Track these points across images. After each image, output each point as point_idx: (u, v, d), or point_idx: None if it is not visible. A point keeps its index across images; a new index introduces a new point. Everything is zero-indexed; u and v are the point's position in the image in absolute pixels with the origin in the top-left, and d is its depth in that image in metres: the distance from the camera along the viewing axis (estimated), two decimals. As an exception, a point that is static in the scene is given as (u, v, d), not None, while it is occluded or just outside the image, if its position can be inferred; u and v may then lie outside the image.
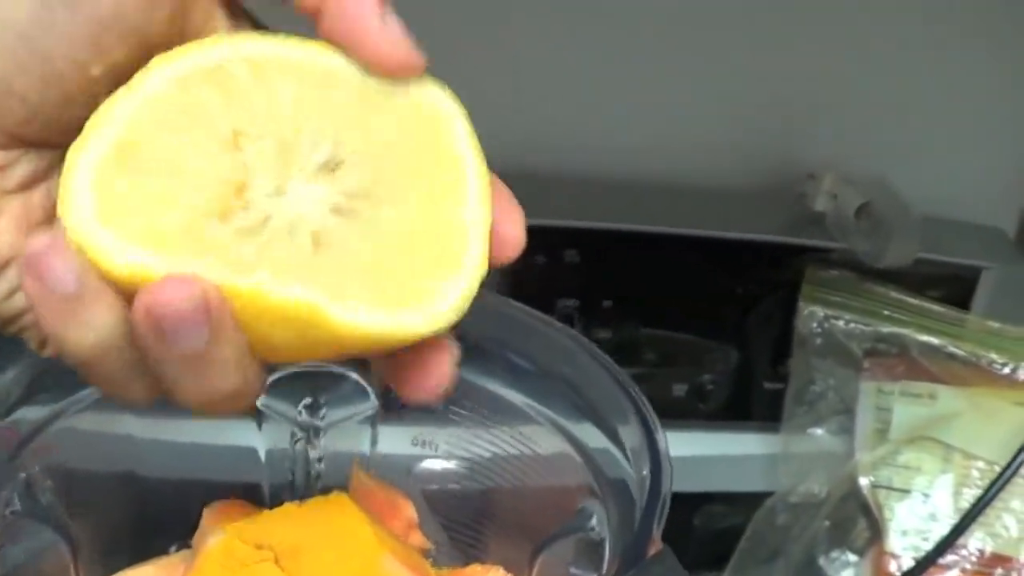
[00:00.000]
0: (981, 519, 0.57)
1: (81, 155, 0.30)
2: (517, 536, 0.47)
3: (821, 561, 0.61)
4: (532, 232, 0.33)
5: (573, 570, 0.41)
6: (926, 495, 0.59)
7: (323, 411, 0.47)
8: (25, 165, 0.31)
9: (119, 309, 0.30)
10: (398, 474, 0.48)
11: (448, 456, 0.49)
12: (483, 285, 0.32)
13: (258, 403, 0.45)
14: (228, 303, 0.29)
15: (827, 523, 0.62)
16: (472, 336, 0.34)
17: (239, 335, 0.30)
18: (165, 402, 0.32)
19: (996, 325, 0.63)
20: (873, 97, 0.71)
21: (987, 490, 0.57)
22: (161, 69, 0.31)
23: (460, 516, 0.49)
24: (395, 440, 0.49)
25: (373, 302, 0.30)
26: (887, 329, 0.63)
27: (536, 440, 0.47)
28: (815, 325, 0.64)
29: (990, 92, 0.72)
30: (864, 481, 0.60)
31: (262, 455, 0.48)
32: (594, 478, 0.43)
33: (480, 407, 0.47)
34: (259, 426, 0.47)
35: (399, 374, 0.33)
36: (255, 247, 0.30)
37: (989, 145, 0.74)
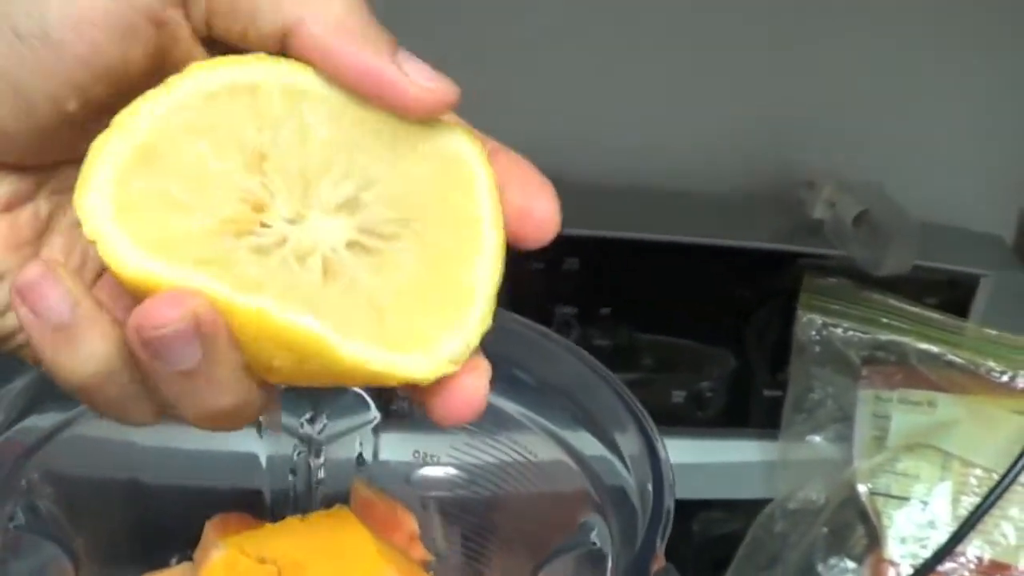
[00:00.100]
0: (979, 527, 0.57)
1: (105, 150, 0.30)
2: (518, 548, 0.47)
3: (819, 568, 0.61)
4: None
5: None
6: (924, 502, 0.59)
7: (324, 423, 0.47)
8: (7, 187, 0.32)
9: (114, 336, 0.30)
10: (399, 485, 0.48)
11: (449, 466, 0.49)
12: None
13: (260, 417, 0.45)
14: (226, 321, 0.29)
15: (825, 530, 0.62)
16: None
17: (234, 354, 0.30)
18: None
19: (994, 333, 0.62)
20: (871, 105, 0.71)
21: (985, 498, 0.57)
22: (196, 77, 0.30)
23: (461, 528, 0.49)
24: (396, 450, 0.49)
25: (374, 340, 0.31)
26: (885, 337, 0.63)
27: (536, 451, 0.47)
28: (813, 332, 0.64)
29: (988, 100, 0.72)
30: (862, 488, 0.60)
31: (263, 462, 0.48)
32: (594, 488, 0.43)
33: (481, 419, 0.47)
34: (260, 433, 0.47)
35: (429, 399, 0.33)
36: (265, 268, 0.30)
37: (987, 153, 0.73)
